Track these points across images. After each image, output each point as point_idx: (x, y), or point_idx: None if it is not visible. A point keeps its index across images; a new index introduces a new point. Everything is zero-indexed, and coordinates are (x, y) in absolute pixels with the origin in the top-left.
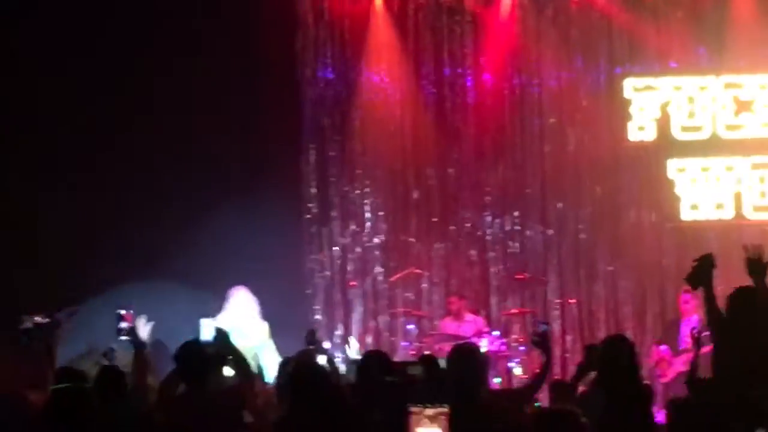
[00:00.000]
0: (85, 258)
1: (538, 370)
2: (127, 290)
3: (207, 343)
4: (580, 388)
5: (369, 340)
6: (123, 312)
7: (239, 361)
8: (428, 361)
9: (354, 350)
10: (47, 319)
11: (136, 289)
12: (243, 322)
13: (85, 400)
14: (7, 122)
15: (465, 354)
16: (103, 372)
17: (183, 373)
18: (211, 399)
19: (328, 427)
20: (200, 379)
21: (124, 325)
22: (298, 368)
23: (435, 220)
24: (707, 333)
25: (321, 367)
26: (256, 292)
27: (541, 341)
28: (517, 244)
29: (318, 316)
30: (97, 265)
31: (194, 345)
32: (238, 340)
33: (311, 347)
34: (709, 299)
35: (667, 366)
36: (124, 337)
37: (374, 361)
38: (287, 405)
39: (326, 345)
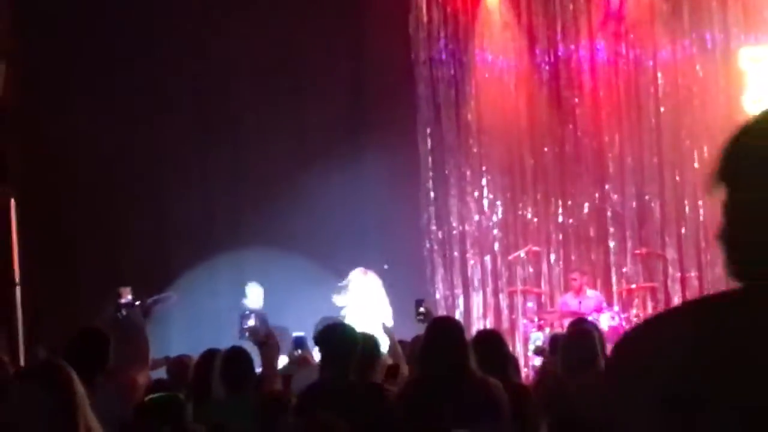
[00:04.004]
0: (189, 231)
1: None
2: (233, 263)
3: None
4: None
5: (489, 318)
6: (247, 312)
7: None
8: None
9: None
10: (138, 303)
11: (242, 258)
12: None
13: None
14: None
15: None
16: (233, 355)
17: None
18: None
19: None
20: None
21: (248, 324)
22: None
23: (552, 196)
24: None
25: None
26: (373, 271)
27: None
28: (635, 219)
29: (438, 296)
30: (205, 237)
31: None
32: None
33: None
34: None
35: None
36: (247, 336)
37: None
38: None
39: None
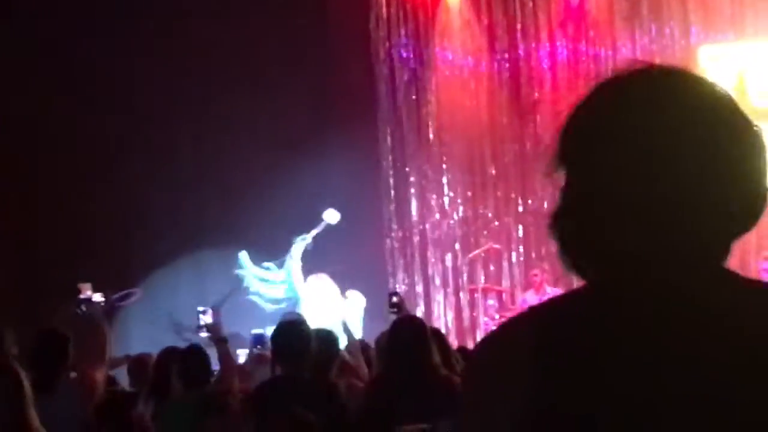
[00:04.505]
0: (149, 230)
1: None
2: (193, 261)
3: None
4: None
5: (450, 316)
6: (203, 308)
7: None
8: None
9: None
10: (102, 300)
11: (203, 260)
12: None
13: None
14: (68, 102)
15: None
16: (190, 353)
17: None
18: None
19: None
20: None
21: (204, 321)
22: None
23: (513, 194)
24: None
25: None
26: (335, 270)
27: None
28: None
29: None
30: (165, 237)
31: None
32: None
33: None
34: None
35: None
36: (204, 334)
37: None
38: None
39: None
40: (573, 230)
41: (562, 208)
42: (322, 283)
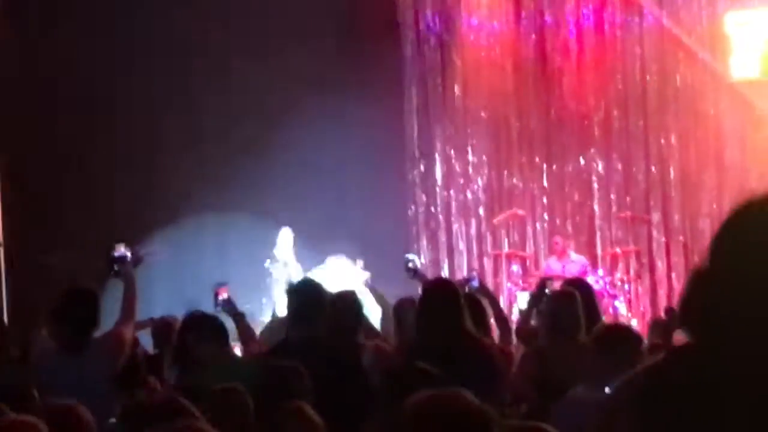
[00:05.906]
0: (173, 189)
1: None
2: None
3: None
4: None
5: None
6: (219, 285)
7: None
8: None
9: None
10: (129, 253)
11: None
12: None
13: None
14: (91, 62)
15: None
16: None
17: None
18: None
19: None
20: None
21: (221, 297)
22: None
23: (537, 160)
24: None
25: None
26: (358, 234)
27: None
28: (620, 183)
29: (422, 259)
30: (190, 195)
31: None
32: None
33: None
34: None
35: None
36: (220, 309)
37: None
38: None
39: None
40: (704, 300)
41: (701, 286)
42: (341, 264)
